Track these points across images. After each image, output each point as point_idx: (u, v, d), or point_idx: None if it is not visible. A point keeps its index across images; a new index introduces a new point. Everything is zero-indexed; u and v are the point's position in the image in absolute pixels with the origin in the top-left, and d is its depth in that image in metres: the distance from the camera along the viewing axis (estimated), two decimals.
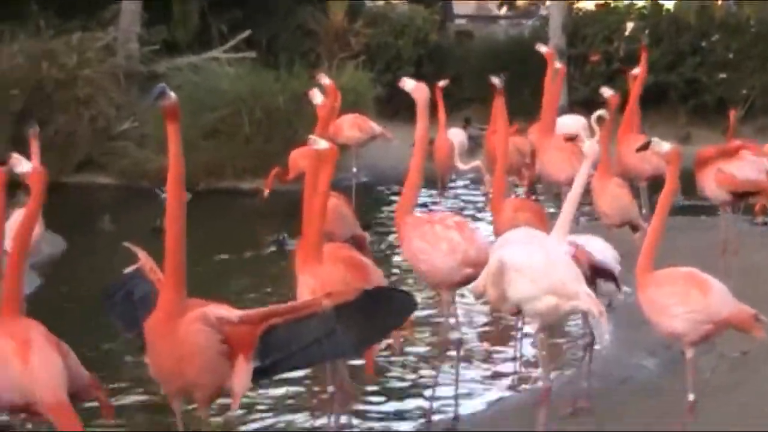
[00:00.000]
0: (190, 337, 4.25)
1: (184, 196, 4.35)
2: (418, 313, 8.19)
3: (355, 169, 11.07)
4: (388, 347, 6.83)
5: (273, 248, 9.94)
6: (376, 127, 11.47)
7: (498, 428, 6.58)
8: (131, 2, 15.19)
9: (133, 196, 13.02)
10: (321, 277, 5.41)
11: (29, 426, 4.52)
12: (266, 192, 10.79)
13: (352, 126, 11.02)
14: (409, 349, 8.02)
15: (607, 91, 8.72)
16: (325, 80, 8.59)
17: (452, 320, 6.60)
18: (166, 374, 4.42)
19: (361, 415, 6.64)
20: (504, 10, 24.49)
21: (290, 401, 7.29)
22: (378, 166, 12.85)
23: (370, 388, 7.00)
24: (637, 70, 10.36)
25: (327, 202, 5.75)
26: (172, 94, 4.21)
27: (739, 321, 5.49)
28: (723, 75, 10.71)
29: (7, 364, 4.34)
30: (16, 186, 5.12)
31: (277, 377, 5.92)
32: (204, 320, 4.28)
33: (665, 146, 5.79)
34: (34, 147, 7.16)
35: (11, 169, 4.73)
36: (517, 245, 5.74)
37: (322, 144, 5.57)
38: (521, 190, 11.28)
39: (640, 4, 18.32)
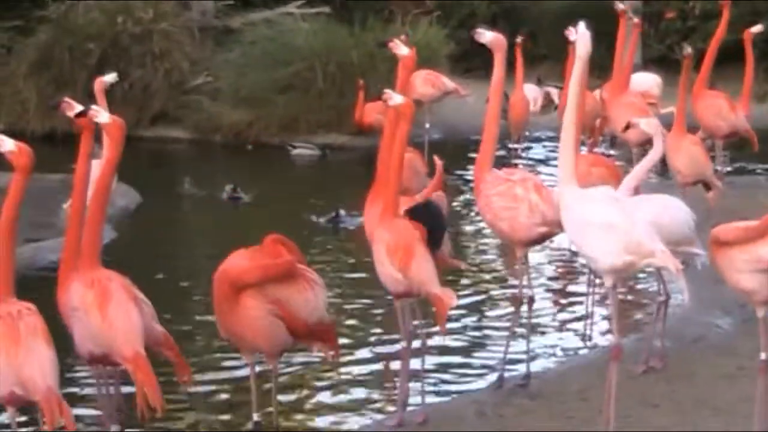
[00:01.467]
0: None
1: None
2: (492, 271, 8.64)
3: (428, 125, 11.04)
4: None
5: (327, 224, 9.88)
6: (449, 83, 11.55)
7: (568, 386, 6.32)
8: None
9: (205, 150, 13.32)
10: (398, 230, 5.50)
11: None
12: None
13: (425, 82, 11.06)
14: (481, 306, 8.23)
15: (684, 48, 8.59)
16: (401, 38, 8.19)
17: (525, 277, 6.63)
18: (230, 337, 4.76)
19: (434, 372, 6.70)
20: None
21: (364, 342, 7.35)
22: (451, 123, 12.84)
23: (442, 344, 7.00)
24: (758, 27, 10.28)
25: (404, 157, 5.79)
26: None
27: None
28: None
29: (88, 314, 4.45)
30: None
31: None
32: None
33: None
34: (101, 99, 7.17)
35: (91, 120, 4.81)
36: (597, 203, 5.57)
37: (398, 99, 5.56)
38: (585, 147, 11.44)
39: None
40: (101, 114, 4.67)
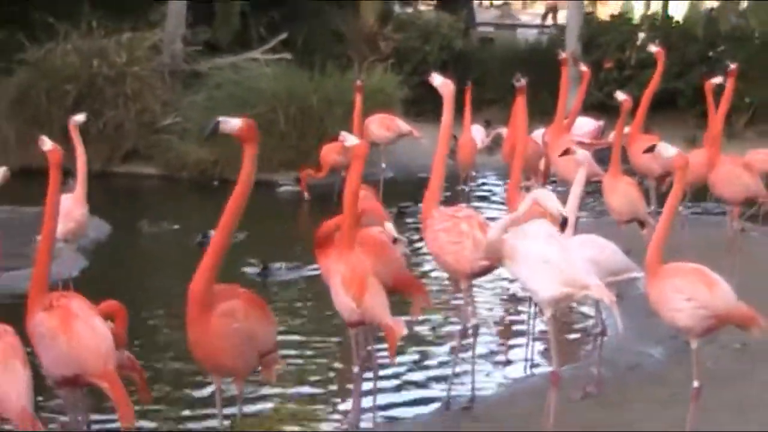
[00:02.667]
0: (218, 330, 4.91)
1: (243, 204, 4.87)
2: (434, 299, 8.50)
3: (383, 165, 11.55)
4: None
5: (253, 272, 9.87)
6: (403, 125, 12.01)
7: (511, 410, 6.77)
8: (177, 3, 15.68)
9: (174, 186, 13.74)
10: (353, 263, 5.87)
11: None
12: (304, 191, 11.96)
13: (380, 125, 11.59)
14: (429, 335, 8.58)
15: (620, 95, 9.01)
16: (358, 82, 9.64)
17: (470, 307, 6.99)
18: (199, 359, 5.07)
19: (380, 398, 6.87)
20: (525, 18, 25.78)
21: (312, 380, 7.71)
22: (404, 162, 13.29)
23: (392, 371, 7.43)
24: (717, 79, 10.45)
25: (358, 194, 6.11)
26: (234, 121, 4.71)
27: (740, 318, 5.78)
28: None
29: (54, 338, 4.66)
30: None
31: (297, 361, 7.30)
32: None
33: (671, 150, 6.13)
34: (75, 137, 7.64)
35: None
36: (535, 239, 5.99)
37: (353, 140, 5.96)
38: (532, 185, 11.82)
39: (652, 13, 19.41)
40: (46, 142, 5.14)
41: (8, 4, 15.67)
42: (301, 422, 7.29)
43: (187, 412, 6.88)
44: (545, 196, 6.37)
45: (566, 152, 7.39)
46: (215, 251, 4.84)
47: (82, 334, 4.67)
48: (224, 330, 4.95)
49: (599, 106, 14.32)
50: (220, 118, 4.73)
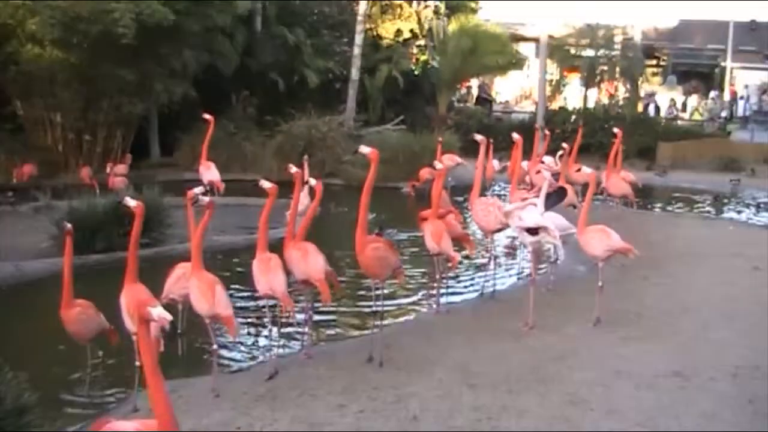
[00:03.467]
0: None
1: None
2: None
3: (450, 179, 16.06)
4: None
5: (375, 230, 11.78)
6: (459, 159, 17.40)
7: (513, 295, 10.69)
8: (350, 102, 24.65)
9: (349, 190, 17.75)
10: (435, 225, 9.14)
11: None
12: (411, 192, 17.15)
13: (448, 159, 16.03)
14: (466, 262, 12.11)
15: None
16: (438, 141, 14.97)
17: (491, 250, 10.55)
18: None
19: (451, 290, 10.73)
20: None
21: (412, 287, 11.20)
22: (459, 177, 18.69)
23: (451, 274, 10.83)
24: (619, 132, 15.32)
25: (439, 194, 9.40)
26: (366, 149, 8.04)
27: (622, 250, 9.26)
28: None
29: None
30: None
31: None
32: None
33: (587, 171, 10.02)
34: (305, 169, 11.25)
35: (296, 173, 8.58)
36: (525, 212, 9.06)
37: (439, 166, 9.47)
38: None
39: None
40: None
41: (272, 103, 24.17)
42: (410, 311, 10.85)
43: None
44: (532, 202, 9.13)
45: (537, 172, 11.35)
46: (361, 222, 7.92)
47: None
48: (374, 254, 7.97)
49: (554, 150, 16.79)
50: (361, 147, 8.25)
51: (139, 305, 4.09)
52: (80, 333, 7.44)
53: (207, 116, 16.74)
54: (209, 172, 16.50)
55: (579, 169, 10.87)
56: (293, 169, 8.63)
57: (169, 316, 4.01)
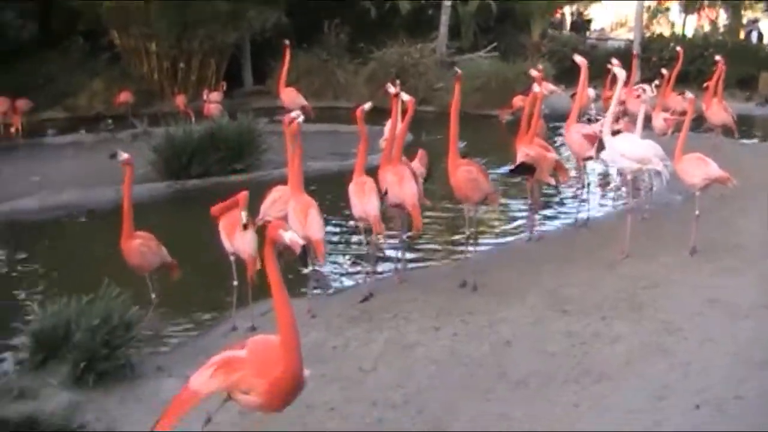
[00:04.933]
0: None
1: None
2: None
3: (543, 107, 12.07)
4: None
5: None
6: (554, 87, 17.18)
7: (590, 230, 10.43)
8: (443, 30, 24.45)
9: (440, 115, 16.39)
10: (535, 150, 9.41)
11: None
12: (504, 118, 17.10)
13: (543, 87, 12.54)
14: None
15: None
16: (534, 72, 11.95)
17: (583, 173, 11.27)
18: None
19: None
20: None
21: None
22: (552, 107, 16.85)
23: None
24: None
25: (538, 119, 9.57)
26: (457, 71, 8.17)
27: (721, 179, 9.05)
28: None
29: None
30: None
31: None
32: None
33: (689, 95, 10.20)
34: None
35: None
36: (623, 140, 9.13)
37: (537, 89, 9.69)
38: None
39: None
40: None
41: (364, 30, 24.13)
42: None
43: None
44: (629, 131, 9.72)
45: (637, 97, 11.05)
46: (452, 144, 8.14)
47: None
48: (466, 177, 8.19)
49: (650, 79, 17.66)
50: (456, 69, 8.64)
51: (272, 227, 4.12)
52: (141, 265, 7.39)
53: (285, 42, 17.19)
54: (298, 98, 16.63)
55: (683, 93, 10.92)
56: (391, 89, 8.72)
57: (301, 240, 4.02)
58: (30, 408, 5.47)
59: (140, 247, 7.29)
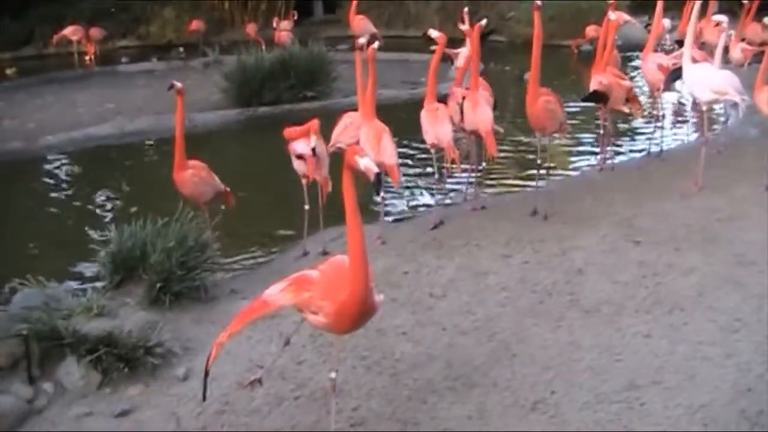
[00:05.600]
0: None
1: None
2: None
3: (617, 38, 11.52)
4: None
5: None
6: (627, 17, 13.80)
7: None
8: None
9: (513, 47, 18.90)
10: (607, 77, 9.36)
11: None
12: (575, 50, 17.65)
13: (617, 17, 11.28)
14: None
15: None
16: None
17: (659, 101, 10.53)
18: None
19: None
20: None
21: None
22: (627, 39, 16.85)
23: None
24: None
25: (608, 47, 9.43)
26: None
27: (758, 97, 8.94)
28: None
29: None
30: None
31: None
32: None
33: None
34: (466, 21, 10.80)
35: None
36: (701, 71, 8.84)
37: (612, 17, 9.40)
38: None
39: None
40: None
41: None
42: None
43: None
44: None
45: (716, 25, 9.64)
46: (533, 75, 7.92)
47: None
48: (545, 106, 8.08)
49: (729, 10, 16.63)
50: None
51: (349, 152, 4.11)
52: (194, 195, 7.31)
53: None
54: (368, 26, 16.65)
55: (761, 22, 10.25)
56: (462, 26, 8.52)
57: (375, 168, 3.96)
58: (108, 326, 5.61)
59: (192, 177, 7.23)
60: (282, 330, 5.75)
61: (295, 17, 20.59)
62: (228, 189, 7.58)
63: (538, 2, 7.98)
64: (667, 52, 12.18)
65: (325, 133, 8.09)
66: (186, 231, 6.62)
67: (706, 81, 8.89)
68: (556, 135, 9.06)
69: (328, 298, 4.32)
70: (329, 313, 4.34)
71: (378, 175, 3.98)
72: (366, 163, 4.03)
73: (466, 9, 11.85)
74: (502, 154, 10.53)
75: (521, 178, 10.15)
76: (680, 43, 11.12)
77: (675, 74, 9.40)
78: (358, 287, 4.24)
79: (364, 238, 4.23)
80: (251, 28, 19.17)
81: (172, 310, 6.26)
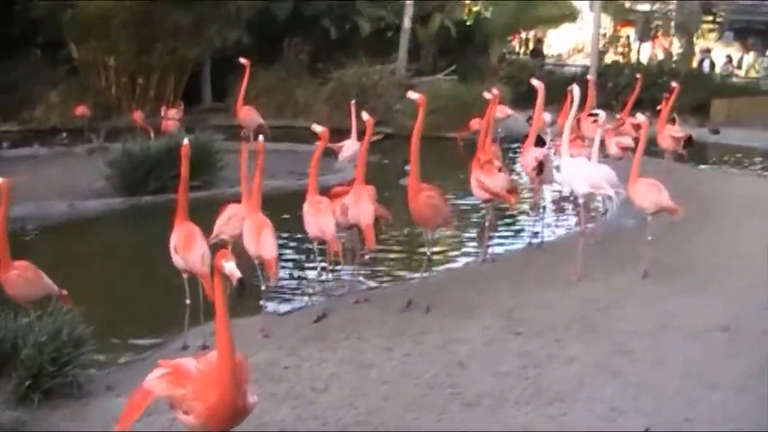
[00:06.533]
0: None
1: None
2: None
3: (500, 130, 16.36)
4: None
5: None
6: (510, 111, 17.49)
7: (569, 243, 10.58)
8: (402, 53, 24.52)
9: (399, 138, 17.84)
10: (483, 168, 9.49)
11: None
12: (460, 141, 16.29)
13: (500, 111, 15.33)
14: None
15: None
16: (488, 95, 11.13)
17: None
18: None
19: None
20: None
21: None
22: (509, 131, 18.16)
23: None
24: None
25: (484, 143, 9.81)
26: (415, 95, 7.88)
27: (670, 209, 9.16)
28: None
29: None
30: None
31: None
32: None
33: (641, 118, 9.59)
34: (352, 114, 11.66)
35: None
36: (576, 164, 9.36)
37: (494, 107, 10.34)
38: None
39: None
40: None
41: (324, 50, 24.45)
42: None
43: None
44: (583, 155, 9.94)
45: (594, 122, 10.75)
46: (413, 169, 8.17)
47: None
48: (428, 202, 8.25)
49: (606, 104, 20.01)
50: (409, 93, 8.20)
51: (217, 257, 4.23)
52: (18, 296, 6.90)
53: (243, 60, 16.75)
54: (255, 117, 16.66)
55: (634, 116, 10.66)
56: (366, 116, 8.83)
57: (238, 273, 4.10)
58: None
59: (17, 278, 6.84)
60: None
61: (183, 106, 20.27)
62: (63, 291, 7.16)
63: (424, 96, 8.10)
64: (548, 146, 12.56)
65: (209, 224, 7.98)
66: (60, 324, 6.37)
67: (582, 175, 9.14)
68: (442, 229, 9.13)
69: (199, 399, 4.25)
70: (200, 415, 4.28)
71: (240, 280, 4.09)
72: (230, 268, 4.14)
73: (353, 101, 12.01)
74: (386, 246, 10.58)
75: (405, 270, 10.15)
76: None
77: (540, 167, 9.86)
78: (226, 392, 4.24)
79: (232, 342, 4.25)
80: (138, 115, 18.87)
81: (41, 408, 5.97)
